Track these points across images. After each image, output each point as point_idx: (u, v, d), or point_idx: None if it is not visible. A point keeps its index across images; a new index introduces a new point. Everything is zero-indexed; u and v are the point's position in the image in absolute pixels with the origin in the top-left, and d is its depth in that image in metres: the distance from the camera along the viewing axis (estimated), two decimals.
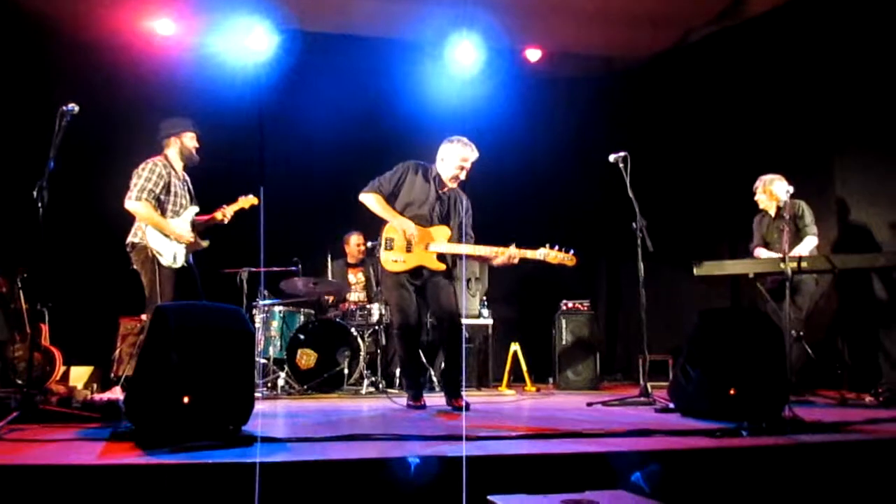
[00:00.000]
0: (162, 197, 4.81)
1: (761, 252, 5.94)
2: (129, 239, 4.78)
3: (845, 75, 6.62)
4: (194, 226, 4.97)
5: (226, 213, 5.15)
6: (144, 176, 4.76)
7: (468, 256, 4.73)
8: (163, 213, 4.81)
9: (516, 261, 4.65)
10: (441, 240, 4.71)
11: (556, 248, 4.64)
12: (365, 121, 7.63)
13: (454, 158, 4.74)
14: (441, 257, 4.71)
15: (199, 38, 7.44)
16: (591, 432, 3.16)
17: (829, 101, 6.77)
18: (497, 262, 4.67)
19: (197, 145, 5.03)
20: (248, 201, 5.26)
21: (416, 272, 4.70)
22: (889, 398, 5.09)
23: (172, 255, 4.77)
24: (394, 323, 4.85)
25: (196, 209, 5.02)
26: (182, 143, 4.96)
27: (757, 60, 7.30)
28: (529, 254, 4.65)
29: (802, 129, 6.96)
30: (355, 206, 4.86)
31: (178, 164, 4.98)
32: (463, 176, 4.79)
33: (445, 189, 4.81)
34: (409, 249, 4.68)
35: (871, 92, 6.45)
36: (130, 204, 4.74)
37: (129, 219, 4.79)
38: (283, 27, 7.33)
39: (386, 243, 4.72)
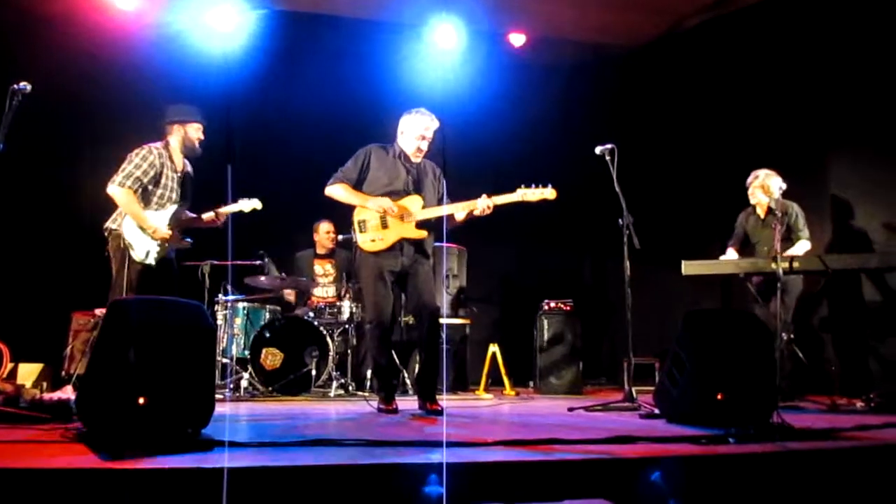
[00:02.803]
0: (150, 187, 4.81)
1: (730, 254, 6.01)
2: (108, 224, 4.80)
3: (841, 69, 6.70)
4: (178, 222, 4.92)
5: (220, 214, 5.09)
6: (135, 162, 4.77)
7: (449, 220, 4.77)
8: (146, 205, 4.81)
9: (489, 211, 4.69)
10: (416, 208, 4.74)
11: (533, 185, 4.72)
12: (339, 105, 7.59)
13: (415, 129, 4.80)
14: (421, 226, 4.73)
15: (163, 14, 7.34)
16: (570, 439, 3.18)
17: (824, 95, 6.85)
18: (476, 213, 4.73)
19: (202, 137, 5.01)
20: (249, 205, 5.19)
21: (395, 255, 4.70)
22: (881, 404, 5.17)
23: (145, 250, 4.76)
24: (367, 317, 4.85)
25: (179, 207, 4.98)
26: (186, 133, 4.95)
27: (752, 51, 7.36)
28: (505, 198, 4.71)
29: (796, 123, 7.04)
30: (326, 196, 4.86)
31: (178, 156, 4.98)
32: (425, 147, 4.84)
33: (412, 163, 4.86)
34: (384, 226, 4.70)
35: (868, 87, 6.53)
36: (112, 188, 4.75)
37: (96, 204, 4.78)
38: (254, 4, 7.27)
39: (359, 226, 4.75)
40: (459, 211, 4.75)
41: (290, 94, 7.61)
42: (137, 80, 6.88)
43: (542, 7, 7.62)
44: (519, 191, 4.73)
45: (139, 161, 4.77)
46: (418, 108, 4.86)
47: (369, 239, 4.72)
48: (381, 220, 4.71)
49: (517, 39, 8.21)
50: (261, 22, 7.29)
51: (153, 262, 4.80)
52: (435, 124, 4.84)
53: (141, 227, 4.74)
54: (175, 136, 4.95)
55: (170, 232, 4.83)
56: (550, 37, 8.30)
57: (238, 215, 5.24)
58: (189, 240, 5.03)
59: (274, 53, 7.47)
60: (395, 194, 4.76)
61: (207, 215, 5.10)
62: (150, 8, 7.32)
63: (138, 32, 7.32)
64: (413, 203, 4.76)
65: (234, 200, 5.18)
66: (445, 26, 7.58)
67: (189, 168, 5.11)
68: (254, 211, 5.23)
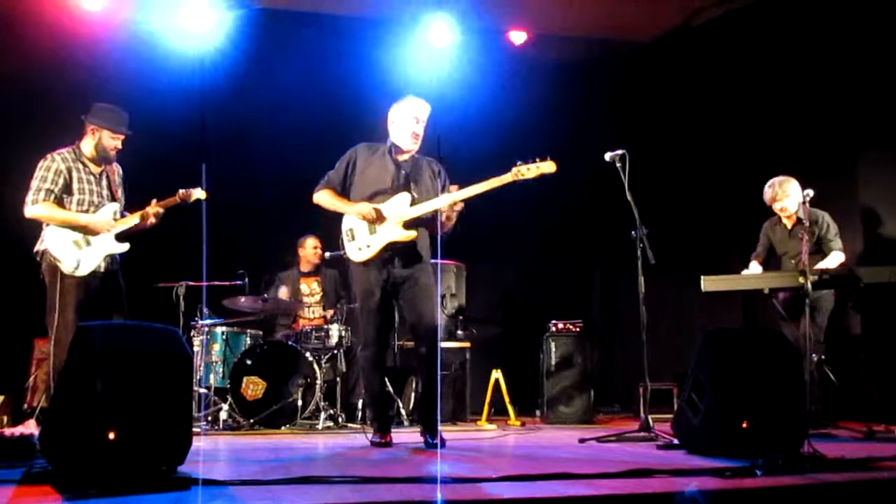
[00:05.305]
0: (64, 196, 4.79)
1: (754, 267, 6.00)
2: (37, 247, 4.77)
3: (870, 62, 6.72)
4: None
5: (151, 212, 4.94)
6: (39, 176, 4.76)
7: (431, 217, 4.72)
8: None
9: (459, 206, 4.65)
10: (401, 207, 4.70)
11: (528, 161, 4.62)
12: (325, 110, 7.61)
13: (407, 113, 4.79)
14: (410, 225, 4.69)
15: (133, 14, 7.37)
16: (582, 473, 3.17)
17: (851, 91, 6.87)
18: (443, 211, 4.66)
19: (117, 147, 4.94)
20: (188, 194, 5.01)
21: (385, 265, 4.68)
22: None
23: (75, 260, 4.72)
24: (358, 338, 4.82)
25: (116, 206, 4.95)
26: (100, 140, 4.90)
27: (772, 46, 7.39)
28: (498, 181, 4.62)
29: (822, 123, 7.05)
30: (311, 209, 4.87)
31: (91, 158, 4.92)
32: (420, 131, 4.81)
33: (404, 158, 4.84)
34: (373, 231, 4.70)
35: None
36: (29, 210, 4.74)
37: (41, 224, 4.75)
38: (231, 4, 7.30)
39: (348, 235, 4.76)
40: (440, 205, 4.67)
41: (271, 99, 7.62)
42: (106, 85, 6.88)
43: (543, 1, 7.66)
44: (513, 169, 4.63)
45: (43, 173, 4.76)
46: (406, 96, 4.87)
47: (357, 248, 4.72)
48: (369, 226, 4.71)
49: (518, 37, 8.25)
50: (238, 21, 7.31)
51: (86, 274, 4.74)
52: (427, 108, 4.85)
53: (74, 232, 4.71)
54: (88, 139, 4.91)
55: (114, 223, 4.82)
56: (552, 33, 8.33)
57: (212, 230, 5.18)
58: (124, 245, 4.91)
59: (253, 55, 7.49)
60: (381, 194, 4.75)
61: (136, 214, 4.95)
62: (118, 7, 7.34)
63: (106, 34, 7.34)
64: (398, 202, 4.72)
65: (173, 194, 5.00)
66: (438, 24, 7.61)
67: (117, 168, 5.07)
68: (198, 202, 5.03)
